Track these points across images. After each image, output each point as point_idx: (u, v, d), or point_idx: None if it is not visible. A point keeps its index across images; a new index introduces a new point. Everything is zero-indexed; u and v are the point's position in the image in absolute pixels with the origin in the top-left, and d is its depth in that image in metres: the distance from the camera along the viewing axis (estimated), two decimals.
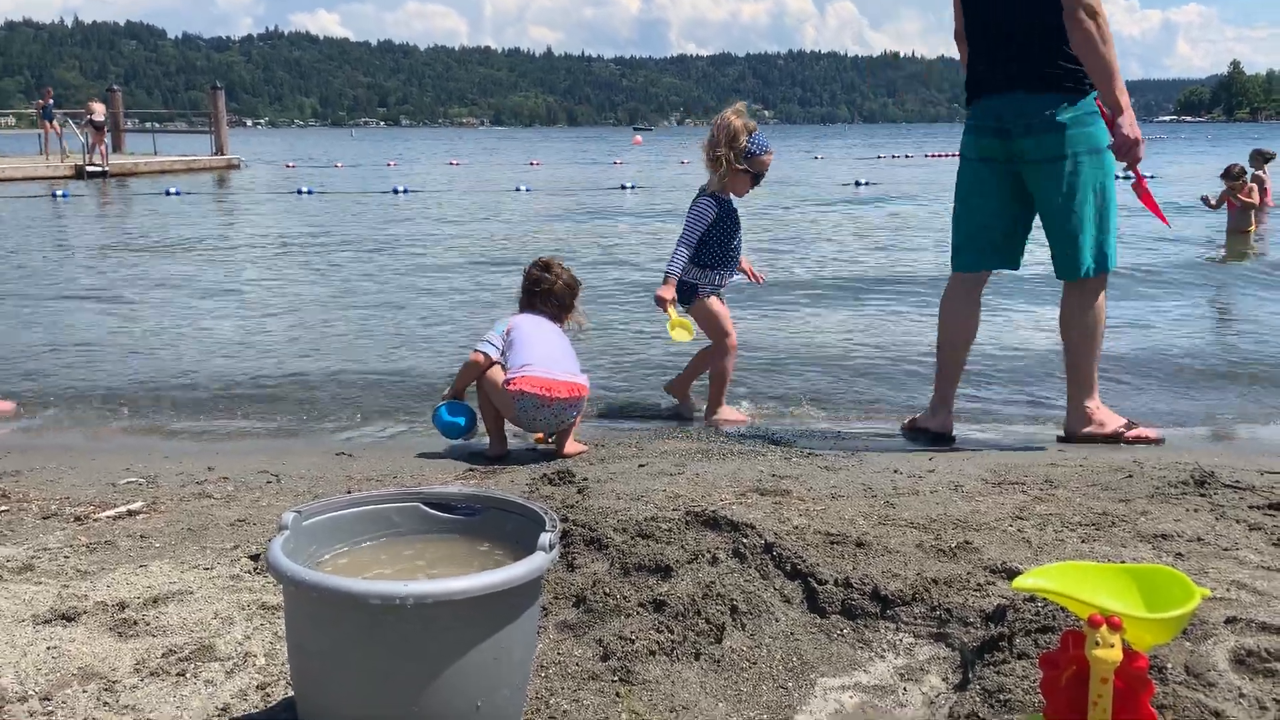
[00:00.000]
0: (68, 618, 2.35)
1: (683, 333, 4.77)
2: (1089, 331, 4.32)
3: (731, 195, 4.90)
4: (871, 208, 18.27)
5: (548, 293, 4.40)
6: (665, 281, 4.77)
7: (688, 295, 4.87)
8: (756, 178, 4.85)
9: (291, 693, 1.97)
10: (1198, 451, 4.28)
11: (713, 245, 4.85)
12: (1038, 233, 4.35)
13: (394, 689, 1.61)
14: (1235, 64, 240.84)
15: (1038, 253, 4.55)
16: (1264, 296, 8.65)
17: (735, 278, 5.06)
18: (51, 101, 29.96)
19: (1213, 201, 13.59)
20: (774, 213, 16.88)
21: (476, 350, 4.18)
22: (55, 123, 29.01)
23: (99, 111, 26.22)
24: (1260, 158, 14.25)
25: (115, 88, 32.77)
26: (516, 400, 4.03)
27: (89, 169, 25.82)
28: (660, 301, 4.75)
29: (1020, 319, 7.64)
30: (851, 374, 5.99)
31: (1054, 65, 4.09)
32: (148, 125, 31.42)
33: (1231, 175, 13.15)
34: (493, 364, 4.14)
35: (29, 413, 5.24)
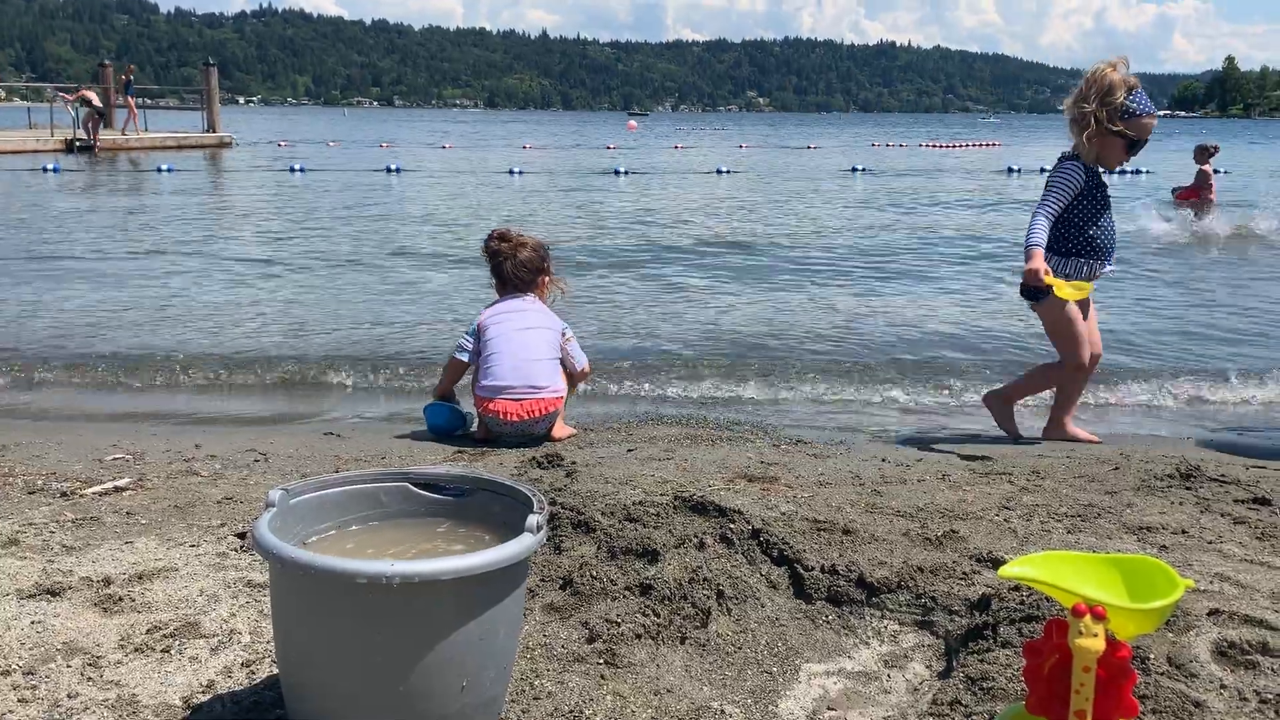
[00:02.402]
0: (52, 592, 2.34)
1: (1074, 291, 3.99)
2: None
3: (1100, 167, 4.13)
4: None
5: (513, 262, 4.24)
6: (1029, 256, 3.97)
7: (1038, 290, 4.06)
8: (1134, 144, 4.05)
9: (276, 671, 1.97)
10: (1184, 445, 4.30)
11: (1074, 225, 4.07)
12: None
13: (379, 668, 1.61)
14: (1230, 59, 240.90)
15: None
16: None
17: (1109, 269, 4.18)
18: (132, 78, 29.90)
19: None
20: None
21: (454, 356, 4.24)
22: (133, 98, 29.18)
23: (95, 98, 26.01)
24: (1204, 152, 14.74)
25: (107, 63, 32.40)
26: (485, 417, 4.11)
27: (77, 143, 25.60)
28: (1030, 277, 3.96)
29: (1012, 309, 7.66)
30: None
31: None
32: (139, 101, 31.00)
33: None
34: (468, 366, 4.21)
35: (16, 387, 5.21)
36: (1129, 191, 19.30)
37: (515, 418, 4.01)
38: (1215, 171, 15.76)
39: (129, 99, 29.28)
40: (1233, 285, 8.94)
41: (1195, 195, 15.14)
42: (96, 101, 25.96)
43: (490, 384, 4.05)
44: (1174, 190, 16.19)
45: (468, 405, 4.30)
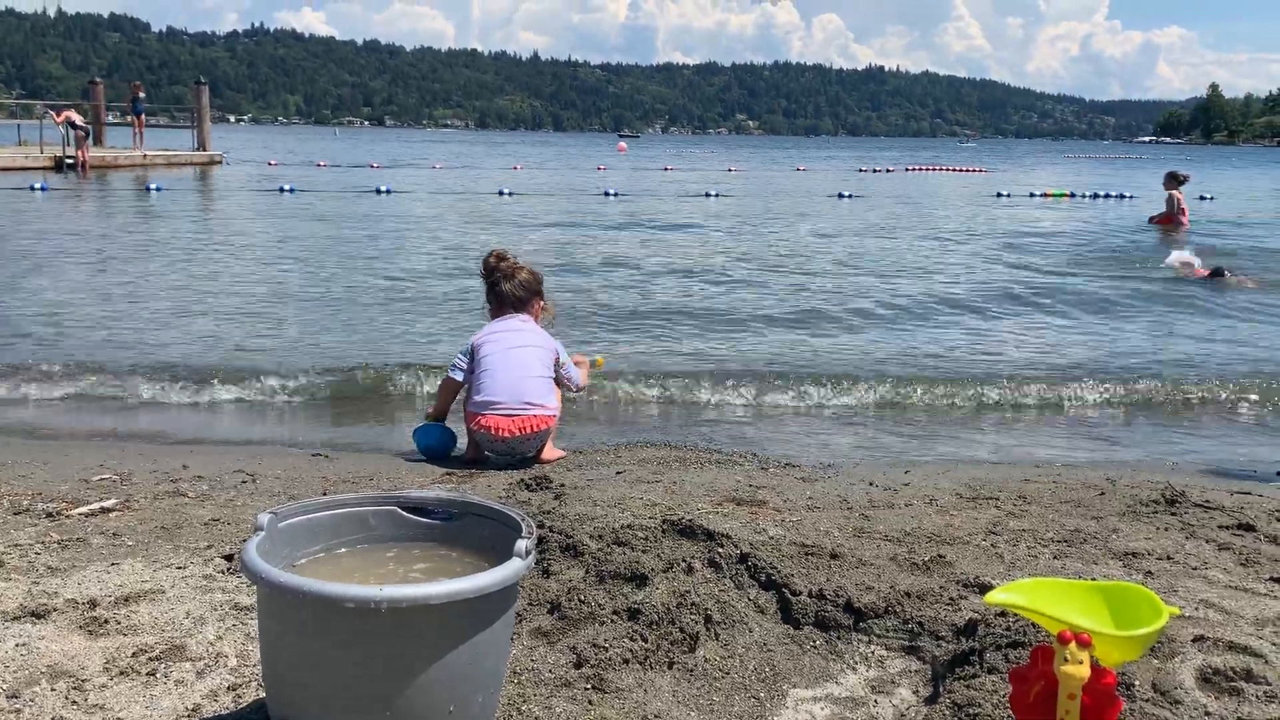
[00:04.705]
0: (37, 615, 2.33)
1: None
2: None
3: None
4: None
5: (510, 280, 4.28)
6: None
7: None
8: None
9: (263, 694, 1.96)
10: (1169, 471, 4.33)
11: None
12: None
13: (367, 693, 1.61)
14: (1214, 87, 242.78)
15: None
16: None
17: None
18: (142, 95, 29.98)
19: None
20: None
21: (448, 375, 4.26)
22: (143, 117, 29.34)
23: (76, 117, 25.99)
24: (1173, 178, 15.00)
25: (98, 80, 32.39)
26: (476, 434, 4.11)
27: (67, 161, 25.56)
28: None
29: (1006, 334, 7.70)
30: None
31: None
32: (128, 119, 31.03)
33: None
34: (461, 385, 4.22)
35: (2, 404, 5.18)
36: (1110, 215, 19.46)
37: (507, 434, 4.01)
38: (1204, 198, 15.95)
39: (137, 117, 29.46)
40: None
41: (1169, 221, 15.36)
42: (79, 120, 25.90)
43: (482, 399, 4.05)
44: (1149, 219, 16.39)
45: (456, 429, 4.30)
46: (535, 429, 4.05)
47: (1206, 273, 10.61)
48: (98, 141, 28.08)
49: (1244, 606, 2.51)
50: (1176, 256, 11.20)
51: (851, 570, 2.63)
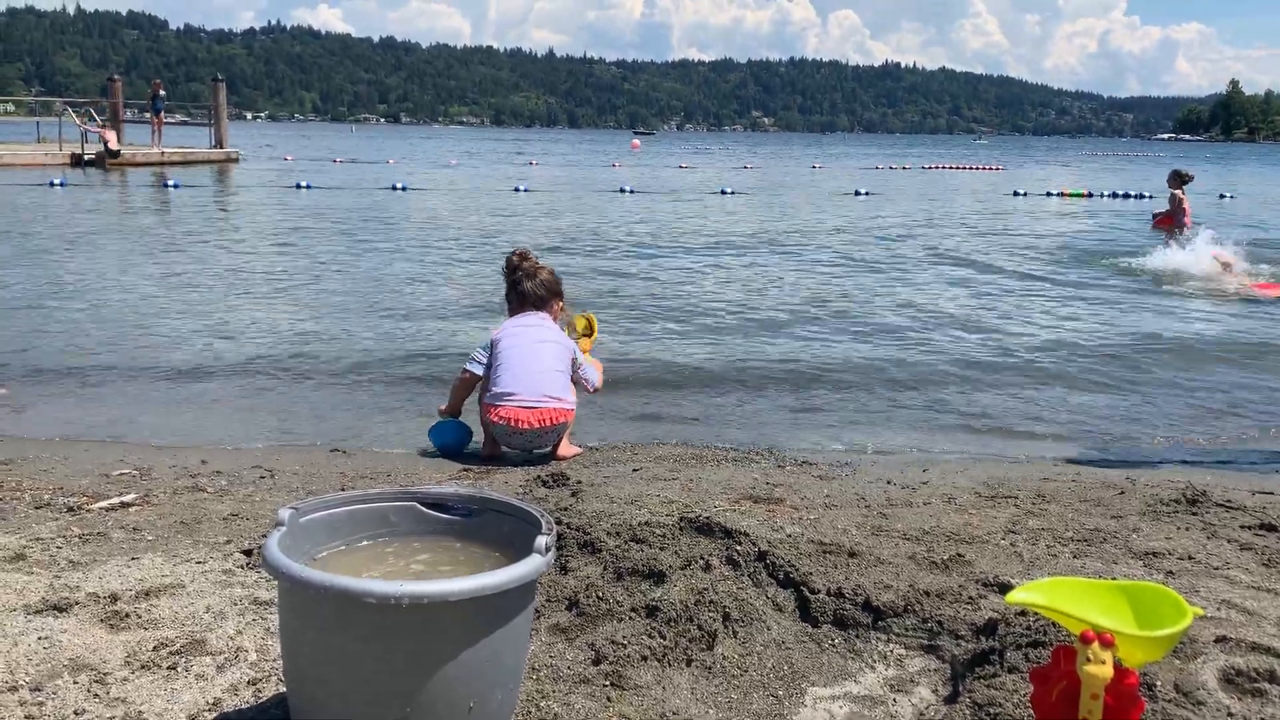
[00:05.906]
0: (59, 608, 2.34)
1: None
2: None
3: None
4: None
5: (531, 279, 4.33)
6: None
7: None
8: None
9: (283, 689, 1.97)
10: (1190, 470, 4.30)
11: None
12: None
13: (387, 688, 1.62)
14: (1234, 83, 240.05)
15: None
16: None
17: None
18: (163, 93, 30.19)
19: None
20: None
21: (465, 369, 4.27)
22: (162, 115, 29.61)
23: (112, 140, 26.16)
24: (1178, 177, 14.87)
25: (116, 77, 32.55)
26: (493, 426, 4.11)
27: (85, 158, 25.73)
28: None
29: (1019, 330, 7.66)
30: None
31: None
32: (146, 116, 31.20)
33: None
34: (480, 380, 4.22)
35: (24, 399, 5.22)
36: (1121, 219, 19.34)
37: (525, 425, 4.02)
38: (1223, 196, 15.76)
39: (156, 115, 29.72)
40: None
41: (1170, 221, 15.15)
42: (114, 145, 26.08)
43: (500, 390, 4.07)
44: (1153, 215, 16.28)
45: (471, 426, 4.32)
46: (553, 421, 4.07)
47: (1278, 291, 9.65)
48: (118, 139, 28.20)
49: (1267, 607, 2.49)
50: (1214, 252, 10.71)
51: (870, 569, 2.62)
